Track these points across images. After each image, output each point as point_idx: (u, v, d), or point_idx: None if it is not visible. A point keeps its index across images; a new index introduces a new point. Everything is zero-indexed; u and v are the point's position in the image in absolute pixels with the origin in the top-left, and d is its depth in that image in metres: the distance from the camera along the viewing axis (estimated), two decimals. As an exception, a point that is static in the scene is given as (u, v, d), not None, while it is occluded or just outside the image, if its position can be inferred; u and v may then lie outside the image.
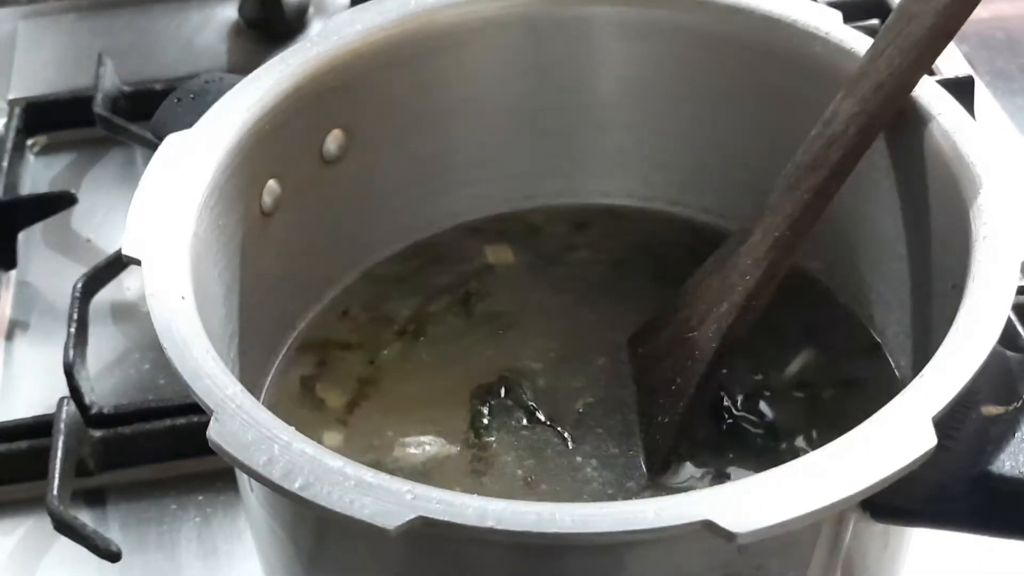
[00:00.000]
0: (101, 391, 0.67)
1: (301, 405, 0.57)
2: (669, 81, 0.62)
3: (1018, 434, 0.43)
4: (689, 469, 0.53)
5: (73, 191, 0.78)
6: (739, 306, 0.52)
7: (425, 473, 0.53)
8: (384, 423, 0.56)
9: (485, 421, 0.55)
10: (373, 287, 0.62)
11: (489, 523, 0.38)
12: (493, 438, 0.55)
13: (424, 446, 0.54)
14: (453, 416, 0.55)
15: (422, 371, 0.58)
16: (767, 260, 0.52)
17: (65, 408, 0.63)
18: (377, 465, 0.50)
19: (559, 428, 0.55)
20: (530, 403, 0.56)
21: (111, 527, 0.63)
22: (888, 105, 0.51)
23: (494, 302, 0.61)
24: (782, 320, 0.58)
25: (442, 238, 0.64)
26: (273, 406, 0.55)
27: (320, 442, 0.50)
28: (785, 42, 0.57)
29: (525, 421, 0.55)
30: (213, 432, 0.41)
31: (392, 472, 0.47)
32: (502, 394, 0.56)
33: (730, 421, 0.55)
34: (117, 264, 0.71)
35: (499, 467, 0.54)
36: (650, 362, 0.56)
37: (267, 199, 0.56)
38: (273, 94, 0.55)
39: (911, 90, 0.52)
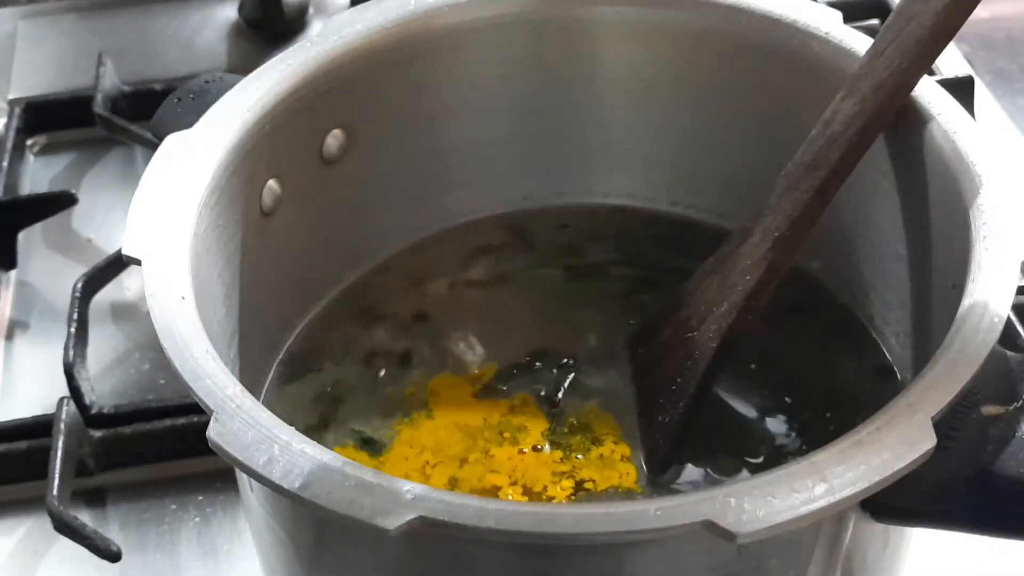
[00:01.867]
0: (101, 391, 0.67)
1: (450, 276, 0.62)
2: (669, 81, 0.62)
3: (1018, 434, 0.43)
4: (689, 469, 0.53)
5: (73, 191, 0.78)
6: (739, 306, 0.52)
7: (447, 366, 0.58)
8: (475, 314, 0.61)
9: (514, 372, 0.57)
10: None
11: (489, 523, 0.38)
12: (504, 387, 0.57)
13: (470, 352, 0.58)
14: (511, 355, 0.58)
15: (540, 299, 0.61)
16: (767, 260, 0.52)
17: (65, 408, 0.63)
18: (440, 332, 0.59)
19: (553, 423, 0.55)
20: (559, 390, 0.56)
21: (111, 527, 0.63)
22: (888, 105, 0.51)
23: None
24: (781, 321, 0.58)
25: (442, 238, 0.64)
26: (272, 405, 0.55)
27: (424, 288, 0.61)
28: (785, 42, 0.57)
29: (543, 392, 0.56)
30: (213, 432, 0.41)
31: (445, 355, 0.58)
32: (553, 365, 0.58)
33: (728, 420, 0.55)
34: (117, 264, 0.71)
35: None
36: (650, 362, 0.56)
37: (267, 199, 0.56)
38: (273, 94, 0.55)
39: (911, 90, 0.52)
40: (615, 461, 0.53)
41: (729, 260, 0.54)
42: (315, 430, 0.56)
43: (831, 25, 0.56)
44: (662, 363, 0.55)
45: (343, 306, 0.61)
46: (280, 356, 0.59)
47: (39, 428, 0.65)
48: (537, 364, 0.58)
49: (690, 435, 0.53)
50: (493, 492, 0.52)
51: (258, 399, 0.44)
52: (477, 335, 0.59)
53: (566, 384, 0.57)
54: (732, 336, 0.53)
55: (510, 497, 0.52)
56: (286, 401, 0.57)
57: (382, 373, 0.58)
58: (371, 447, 0.55)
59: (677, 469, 0.53)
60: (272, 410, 0.43)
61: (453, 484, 0.53)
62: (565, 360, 0.58)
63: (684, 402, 0.53)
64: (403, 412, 0.56)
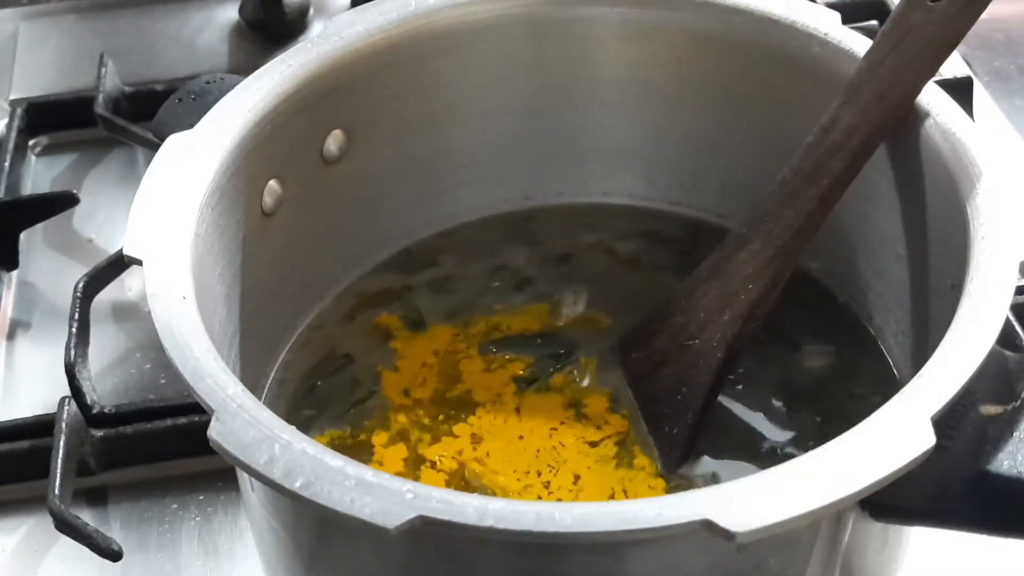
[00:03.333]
0: (102, 391, 0.67)
1: (603, 237, 0.65)
2: (669, 81, 0.62)
3: (1016, 433, 0.43)
4: (687, 469, 0.53)
5: (75, 191, 0.78)
6: (743, 315, 0.52)
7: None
8: (591, 278, 0.62)
9: (538, 342, 0.59)
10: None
11: (489, 522, 0.38)
12: (507, 356, 0.58)
13: (567, 306, 0.61)
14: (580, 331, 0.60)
15: (640, 293, 0.62)
16: (771, 269, 0.52)
17: (66, 408, 0.63)
18: (561, 277, 0.62)
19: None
20: (550, 378, 0.58)
21: (112, 526, 0.63)
22: (892, 115, 0.51)
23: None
24: (781, 321, 0.58)
25: (442, 237, 0.64)
26: (274, 405, 0.55)
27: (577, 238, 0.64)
28: (784, 43, 0.57)
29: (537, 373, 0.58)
30: (214, 431, 0.41)
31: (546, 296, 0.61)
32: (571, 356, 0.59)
33: (726, 419, 0.55)
34: (118, 264, 0.71)
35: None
36: (646, 367, 0.56)
37: (268, 199, 0.56)
38: (274, 95, 0.55)
39: (914, 99, 0.52)
40: (633, 465, 0.54)
41: (728, 267, 0.54)
42: (391, 293, 0.62)
43: (830, 26, 0.57)
44: (662, 370, 0.55)
45: (497, 225, 0.65)
46: (282, 355, 0.59)
47: (41, 428, 0.65)
48: (538, 341, 0.59)
49: (697, 440, 0.54)
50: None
51: (259, 398, 0.45)
52: (581, 294, 0.62)
53: (554, 369, 0.58)
54: (738, 346, 0.53)
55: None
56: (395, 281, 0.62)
57: (495, 284, 0.62)
58: (413, 326, 0.60)
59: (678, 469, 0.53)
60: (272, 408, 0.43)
61: (438, 393, 0.57)
62: (562, 351, 0.59)
63: (693, 414, 0.53)
64: (467, 321, 0.60)
